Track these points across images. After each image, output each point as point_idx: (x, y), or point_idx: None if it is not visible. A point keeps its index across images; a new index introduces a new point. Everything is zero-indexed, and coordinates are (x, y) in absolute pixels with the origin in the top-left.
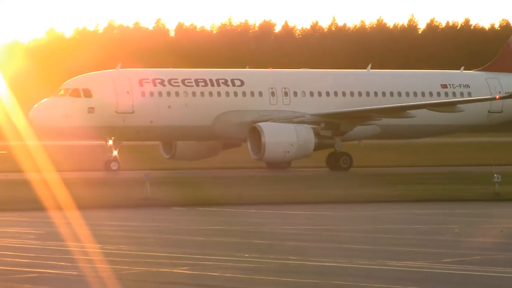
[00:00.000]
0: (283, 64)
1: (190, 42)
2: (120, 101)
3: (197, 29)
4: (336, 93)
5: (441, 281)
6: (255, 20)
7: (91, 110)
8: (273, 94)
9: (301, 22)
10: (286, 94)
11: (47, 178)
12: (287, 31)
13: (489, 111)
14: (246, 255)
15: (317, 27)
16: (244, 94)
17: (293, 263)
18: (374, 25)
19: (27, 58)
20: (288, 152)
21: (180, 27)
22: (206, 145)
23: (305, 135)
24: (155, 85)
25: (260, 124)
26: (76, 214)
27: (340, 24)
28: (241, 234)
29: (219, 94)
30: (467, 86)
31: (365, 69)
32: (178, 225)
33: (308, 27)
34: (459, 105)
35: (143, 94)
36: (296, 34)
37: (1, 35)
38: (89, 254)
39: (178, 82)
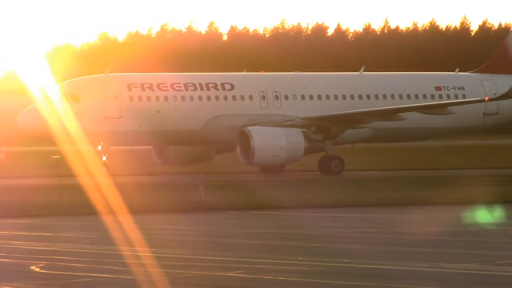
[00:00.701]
0: (335, 67)
1: (243, 46)
2: (108, 106)
3: (250, 33)
4: (328, 96)
5: (496, 283)
6: (307, 23)
7: (79, 115)
8: (263, 97)
9: (353, 25)
10: (277, 97)
11: (99, 183)
12: (340, 34)
13: (484, 113)
14: (300, 258)
15: (370, 30)
16: (234, 98)
17: (347, 266)
18: (427, 27)
19: (79, 62)
20: (277, 156)
21: (233, 31)
22: (199, 150)
23: (295, 139)
24: (143, 89)
25: (249, 128)
26: (130, 218)
27: (393, 26)
28: (295, 237)
29: (208, 98)
30: (462, 88)
31: (415, 72)
32: (232, 229)
33: (361, 29)
34: (450, 108)
35: (131, 99)
36: (349, 37)
37: (56, 38)
38: (143, 258)
39: (167, 87)
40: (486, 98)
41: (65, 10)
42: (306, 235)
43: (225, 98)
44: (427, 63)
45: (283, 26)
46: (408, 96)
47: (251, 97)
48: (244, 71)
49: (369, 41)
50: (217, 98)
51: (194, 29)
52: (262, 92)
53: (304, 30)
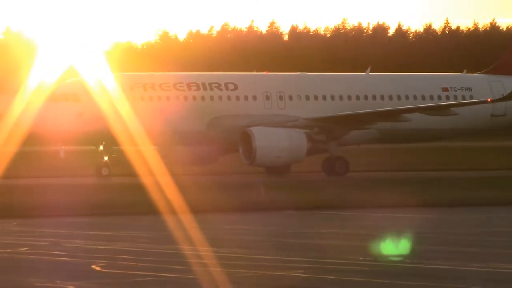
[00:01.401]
0: (395, 67)
1: (303, 45)
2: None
3: (311, 32)
4: (333, 97)
5: None
6: (368, 22)
7: (79, 115)
8: (267, 98)
9: (414, 25)
10: (281, 98)
11: (160, 182)
12: (401, 34)
13: (491, 115)
14: (361, 258)
15: (431, 30)
16: (237, 98)
17: (408, 266)
18: (488, 28)
19: (140, 60)
20: (279, 157)
21: (293, 31)
22: (204, 151)
23: (297, 139)
24: (145, 89)
25: (251, 128)
26: (190, 218)
27: (454, 26)
28: (355, 237)
29: (212, 98)
30: (469, 89)
31: (461, 72)
32: (293, 229)
33: (422, 29)
34: (454, 109)
35: (133, 98)
36: (410, 37)
37: (116, 36)
38: (204, 257)
39: (169, 87)
40: (489, 99)
41: (126, 8)
42: (367, 235)
43: (229, 98)
44: (489, 64)
45: (344, 25)
46: (415, 97)
47: (254, 98)
48: (254, 71)
49: (430, 41)
50: (220, 98)
51: (255, 28)
52: (266, 92)
53: (365, 30)
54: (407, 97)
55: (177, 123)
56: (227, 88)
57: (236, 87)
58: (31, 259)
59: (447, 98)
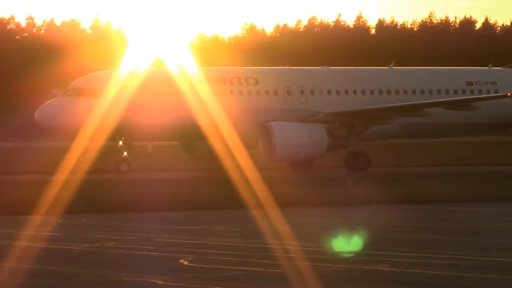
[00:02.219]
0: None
1: (390, 39)
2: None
3: (398, 26)
4: (355, 92)
5: None
6: (455, 16)
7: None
8: (288, 92)
9: (501, 19)
10: (302, 92)
11: (248, 176)
12: (488, 28)
13: None
14: (450, 252)
15: None
16: (258, 93)
17: (497, 260)
18: None
19: (227, 53)
20: (299, 152)
21: (380, 24)
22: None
23: (318, 134)
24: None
25: (271, 123)
26: (277, 212)
27: None
28: (445, 231)
29: (232, 93)
30: (494, 83)
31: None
32: (380, 223)
33: (509, 23)
34: (475, 103)
35: (152, 93)
36: (497, 31)
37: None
38: (291, 252)
39: None
40: (509, 94)
41: (215, 1)
42: (455, 229)
43: (249, 93)
44: None
45: (431, 19)
46: (439, 92)
47: (275, 92)
48: (287, 66)
49: None
50: (240, 93)
51: (342, 22)
52: (287, 87)
53: (452, 24)
54: (430, 92)
55: (195, 118)
56: (247, 83)
57: (257, 82)
58: (119, 254)
59: (472, 92)
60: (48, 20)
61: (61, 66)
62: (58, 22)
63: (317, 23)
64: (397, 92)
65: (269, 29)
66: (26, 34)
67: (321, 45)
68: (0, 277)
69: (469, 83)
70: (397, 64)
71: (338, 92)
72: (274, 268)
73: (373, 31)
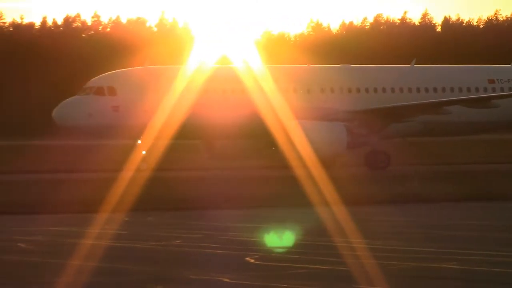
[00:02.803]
0: None
1: (455, 37)
2: (146, 99)
3: (464, 24)
4: (376, 90)
5: None
6: None
7: (115, 108)
8: (308, 91)
9: None
10: (322, 91)
11: (313, 174)
12: None
13: None
14: None
15: None
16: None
17: None
18: None
19: (293, 51)
20: (319, 150)
21: (446, 22)
22: (248, 144)
23: (337, 133)
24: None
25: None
26: (342, 210)
27: None
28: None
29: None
30: None
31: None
32: (447, 220)
33: None
34: (495, 101)
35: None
36: None
37: (269, 26)
38: (357, 249)
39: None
40: None
41: None
42: None
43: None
44: None
45: (496, 17)
46: (460, 89)
47: (295, 90)
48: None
49: None
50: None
51: (408, 20)
52: (307, 85)
53: None
54: (452, 89)
55: (214, 116)
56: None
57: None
58: (185, 252)
59: (493, 90)
60: (114, 18)
61: (127, 64)
62: (124, 20)
63: (382, 21)
64: (418, 90)
65: (334, 27)
66: (92, 32)
67: (386, 43)
68: (67, 275)
69: (491, 81)
70: (462, 62)
71: (358, 90)
72: (340, 266)
73: (438, 29)
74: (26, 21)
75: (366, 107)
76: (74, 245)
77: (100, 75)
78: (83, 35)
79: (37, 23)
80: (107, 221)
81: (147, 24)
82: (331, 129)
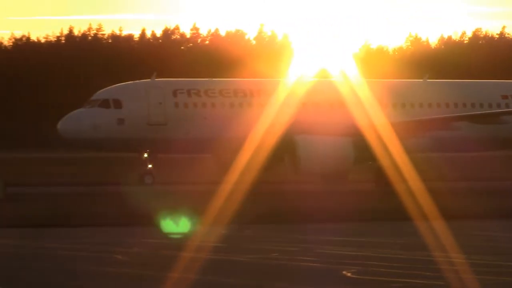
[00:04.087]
0: None
1: None
2: (152, 112)
3: None
4: (386, 105)
5: None
6: None
7: (120, 121)
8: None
9: None
10: (332, 105)
11: (410, 187)
12: None
13: None
14: None
15: None
16: (288, 105)
17: None
18: None
19: (391, 65)
20: (325, 166)
21: None
22: (260, 159)
23: (344, 148)
24: (190, 95)
25: (295, 137)
26: (439, 223)
27: None
28: None
29: (259, 105)
30: None
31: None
32: None
33: None
34: (505, 117)
35: (176, 105)
36: None
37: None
38: (455, 264)
39: (215, 93)
40: None
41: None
42: None
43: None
44: None
45: None
46: (473, 105)
47: (304, 105)
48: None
49: None
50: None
51: (507, 35)
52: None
53: None
54: (464, 105)
55: (223, 130)
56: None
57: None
58: (282, 265)
59: (507, 105)
60: (212, 30)
61: (226, 76)
62: (222, 33)
63: (481, 35)
64: (430, 105)
65: (433, 41)
66: (191, 44)
67: (485, 58)
68: (164, 287)
69: (504, 97)
70: None
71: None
72: (437, 280)
73: None
74: (125, 32)
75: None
76: (172, 258)
77: (106, 88)
78: (182, 47)
79: (136, 35)
80: (204, 234)
81: (246, 37)
82: (337, 144)
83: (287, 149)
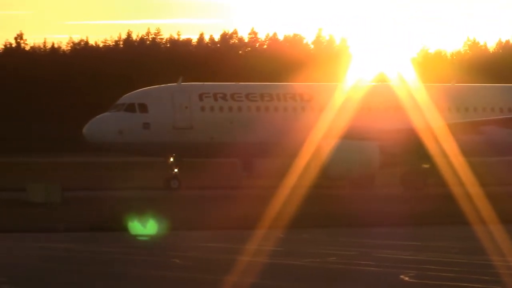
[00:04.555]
0: None
1: None
2: (178, 117)
3: None
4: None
5: None
6: None
7: (146, 125)
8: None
9: None
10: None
11: (469, 192)
12: None
13: None
14: None
15: None
16: (312, 109)
17: None
18: None
19: (449, 69)
20: (350, 170)
21: None
22: (287, 163)
23: (369, 152)
24: (216, 99)
25: (322, 141)
26: (498, 228)
27: None
28: None
29: (285, 109)
30: None
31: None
32: None
33: None
34: None
35: (202, 109)
36: None
37: (424, 43)
38: None
39: (241, 97)
40: None
41: (436, 16)
42: None
43: (303, 109)
44: None
45: None
46: (501, 110)
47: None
48: None
49: None
50: (294, 109)
51: None
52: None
53: None
54: (492, 109)
55: (249, 134)
56: (302, 99)
57: (311, 98)
58: (340, 269)
59: None
60: (271, 34)
61: (284, 81)
62: (280, 37)
63: None
64: (458, 109)
65: (491, 45)
66: (249, 48)
67: None
68: None
69: None
70: None
71: (397, 109)
72: (495, 285)
73: None
74: (183, 37)
75: (402, 127)
76: (232, 261)
77: (132, 92)
78: (240, 52)
79: (194, 39)
80: (263, 238)
81: (304, 41)
82: (363, 148)
83: (313, 153)
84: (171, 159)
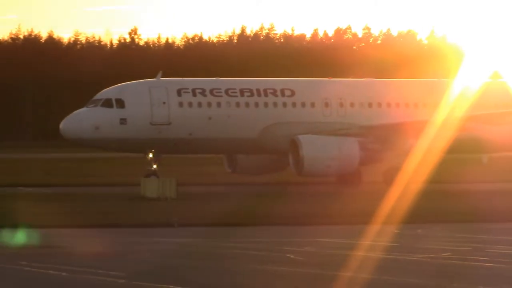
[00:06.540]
0: None
1: None
2: (155, 112)
3: None
4: (398, 104)
5: None
6: None
7: (123, 121)
8: (326, 105)
9: None
10: (341, 105)
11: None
12: None
13: None
14: None
15: None
16: (294, 105)
17: None
18: None
19: None
20: (329, 166)
21: None
22: (271, 159)
23: (348, 148)
24: (194, 95)
25: (298, 136)
26: None
27: None
28: None
29: (266, 105)
30: None
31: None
32: None
33: None
34: None
35: (181, 104)
36: None
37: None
38: None
39: (221, 92)
40: None
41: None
42: None
43: (284, 105)
44: None
45: None
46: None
47: (312, 104)
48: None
49: None
50: (275, 105)
51: None
52: (326, 99)
53: None
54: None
55: (228, 130)
56: (283, 95)
57: (293, 93)
58: (454, 265)
59: None
60: (384, 30)
61: (397, 76)
62: (394, 33)
63: None
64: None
65: None
66: (363, 44)
67: None
68: (338, 286)
69: None
70: None
71: (379, 105)
72: None
73: None
74: (297, 32)
75: (384, 122)
76: (346, 257)
77: (109, 87)
78: (354, 47)
79: (308, 35)
80: (378, 233)
81: (418, 38)
82: (342, 144)
83: (290, 149)
84: (150, 155)
